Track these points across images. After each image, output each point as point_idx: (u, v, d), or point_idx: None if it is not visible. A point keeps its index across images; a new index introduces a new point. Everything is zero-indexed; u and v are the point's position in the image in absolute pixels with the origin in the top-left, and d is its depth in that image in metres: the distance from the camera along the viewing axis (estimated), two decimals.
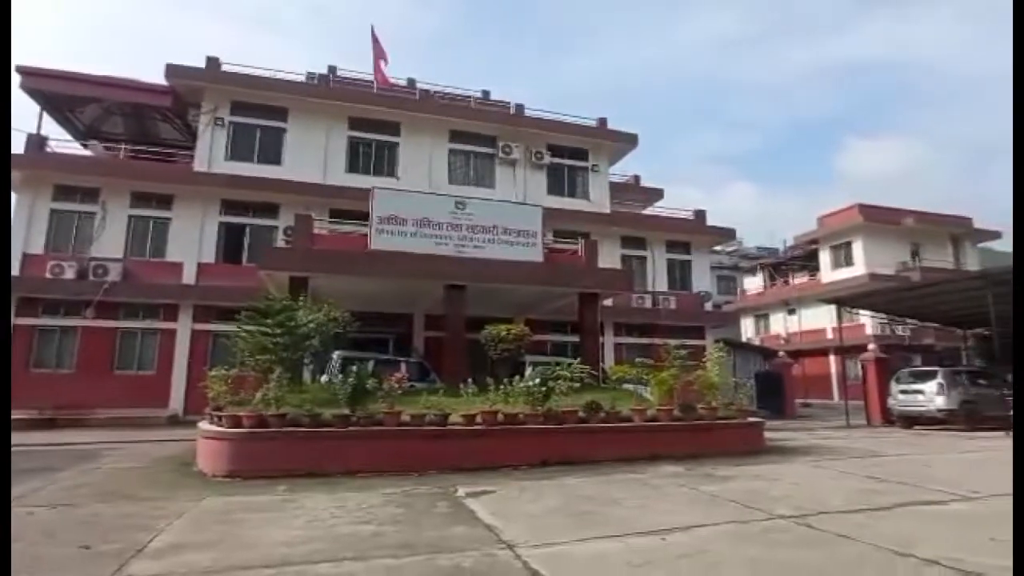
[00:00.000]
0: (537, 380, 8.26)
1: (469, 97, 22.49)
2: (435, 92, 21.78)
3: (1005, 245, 32.83)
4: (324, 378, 10.75)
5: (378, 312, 15.99)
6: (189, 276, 16.93)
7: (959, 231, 32.22)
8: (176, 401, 15.92)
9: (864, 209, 30.73)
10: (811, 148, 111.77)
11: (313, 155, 18.81)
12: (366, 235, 13.43)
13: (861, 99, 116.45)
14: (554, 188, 21.30)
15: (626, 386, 11.28)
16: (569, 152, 21.85)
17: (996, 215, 65.93)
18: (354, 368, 7.79)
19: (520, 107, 21.83)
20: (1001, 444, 10.56)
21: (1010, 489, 5.84)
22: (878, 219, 30.48)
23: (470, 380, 9.36)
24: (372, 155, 19.78)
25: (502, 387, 8.49)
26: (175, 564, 3.35)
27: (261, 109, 18.66)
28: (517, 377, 8.82)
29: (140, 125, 20.68)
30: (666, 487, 6.03)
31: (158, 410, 15.29)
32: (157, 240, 17.23)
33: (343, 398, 7.57)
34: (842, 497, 5.46)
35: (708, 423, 8.83)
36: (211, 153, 17.89)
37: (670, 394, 9.32)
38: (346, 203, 17.17)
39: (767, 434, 9.78)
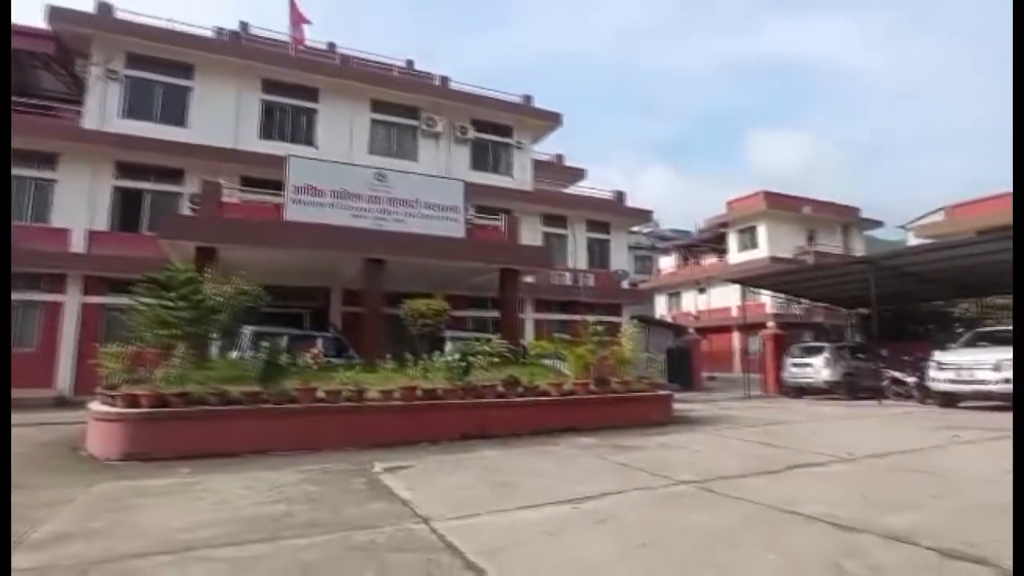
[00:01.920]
0: (457, 355, 8.27)
1: (392, 66, 21.78)
2: (356, 59, 20.90)
3: (886, 233, 36.21)
4: (233, 354, 10.25)
5: (293, 286, 15.37)
6: (78, 244, 15.49)
7: (848, 220, 35.15)
8: (63, 380, 14.66)
9: (768, 196, 32.80)
10: (723, 137, 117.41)
11: (223, 118, 17.58)
12: (280, 205, 12.79)
13: (769, 93, 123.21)
14: (477, 163, 21.16)
15: (545, 361, 11.52)
16: (493, 128, 21.71)
17: (878, 206, 72.62)
18: (266, 344, 7.45)
19: (445, 79, 21.39)
20: (874, 411, 11.75)
21: (880, 450, 6.53)
22: (780, 206, 32.65)
23: (389, 356, 9.22)
24: (288, 121, 18.77)
25: (421, 362, 8.43)
26: (59, 556, 3.10)
27: (162, 64, 17.17)
28: (437, 352, 8.79)
29: (17, 73, 18.47)
30: (581, 457, 6.25)
31: (41, 390, 14.00)
32: (39, 204, 15.61)
33: (254, 375, 7.24)
34: (738, 462, 5.88)
35: (621, 396, 9.21)
36: (103, 109, 16.32)
37: (586, 369, 9.62)
38: (259, 171, 16.25)
39: (675, 406, 10.33)
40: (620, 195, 24.01)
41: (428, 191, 14.19)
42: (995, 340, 12.91)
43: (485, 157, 21.58)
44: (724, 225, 35.23)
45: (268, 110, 18.43)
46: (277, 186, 13.29)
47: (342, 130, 19.11)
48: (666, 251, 42.40)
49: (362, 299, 13.35)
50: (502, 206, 19.56)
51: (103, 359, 7.39)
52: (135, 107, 16.80)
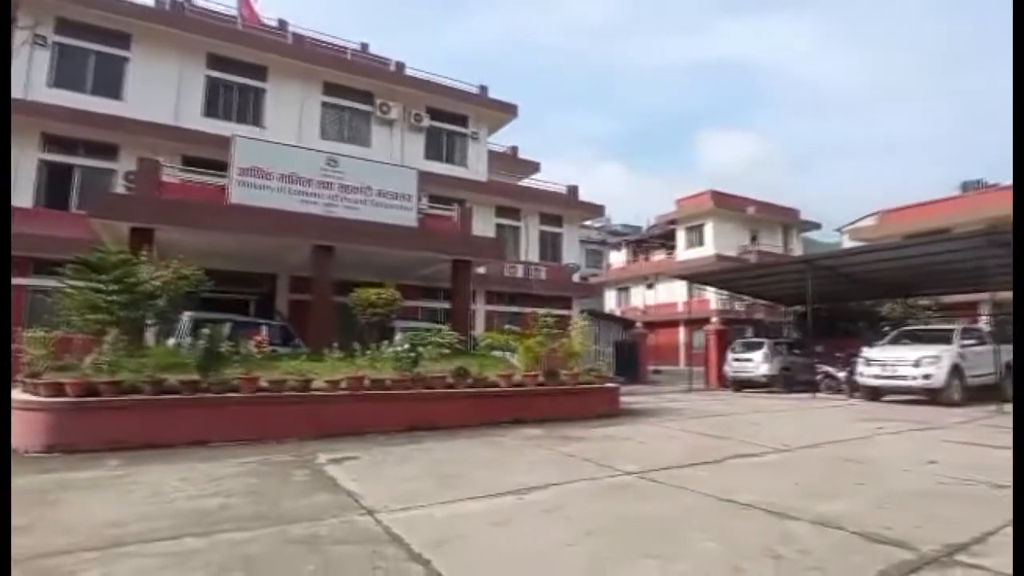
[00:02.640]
0: (406, 345, 8.17)
1: (346, 49, 21.20)
2: (309, 39, 20.23)
3: (823, 235, 37.95)
4: (171, 342, 9.82)
5: (238, 271, 14.83)
6: None
7: (789, 221, 36.65)
8: None
9: (715, 196, 33.81)
10: (674, 135, 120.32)
11: (163, 93, 16.69)
12: (225, 187, 12.29)
13: (718, 94, 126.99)
14: (432, 152, 20.90)
15: (495, 353, 11.55)
16: (449, 117, 21.49)
17: (816, 209, 76.09)
18: (207, 331, 7.16)
19: (400, 65, 20.99)
20: (808, 404, 12.33)
21: (812, 441, 6.86)
22: (726, 206, 33.72)
23: (337, 345, 9.04)
24: (235, 100, 17.99)
25: (370, 352, 8.30)
26: None
27: (96, 32, 16.13)
28: (386, 342, 8.67)
29: None
30: (528, 449, 6.31)
31: None
32: None
33: (193, 363, 6.95)
34: (681, 453, 6.06)
35: (570, 388, 9.33)
36: (28, 78, 15.20)
37: (536, 361, 9.69)
38: (202, 150, 15.56)
39: (622, 398, 10.54)
40: (573, 189, 24.22)
41: (381, 178, 13.92)
42: (916, 338, 13.78)
43: (440, 146, 21.35)
44: (673, 222, 36.11)
45: (213, 87, 17.62)
46: (221, 167, 12.75)
47: (292, 112, 18.48)
48: (617, 246, 43.16)
49: (310, 286, 13.01)
50: (456, 196, 19.44)
51: (25, 345, 6.93)
52: (65, 77, 15.73)
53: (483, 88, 22.27)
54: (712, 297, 27.83)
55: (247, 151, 12.54)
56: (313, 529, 3.31)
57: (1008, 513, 3.79)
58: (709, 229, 33.93)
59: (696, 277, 21.12)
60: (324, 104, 19.23)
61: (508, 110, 22.53)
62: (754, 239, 34.58)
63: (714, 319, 22.77)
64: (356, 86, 19.62)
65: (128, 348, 7.32)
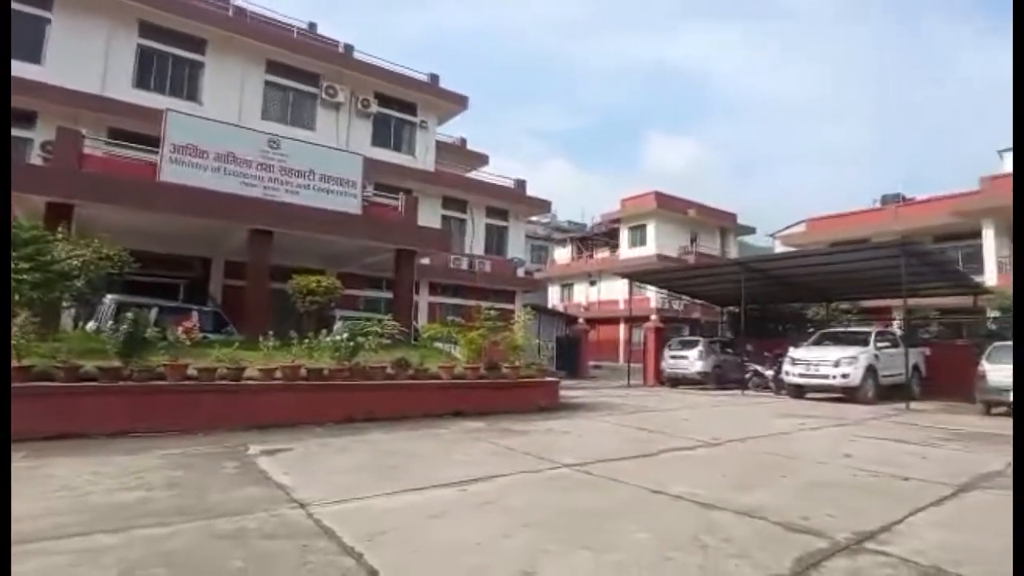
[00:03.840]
0: (345, 335, 7.99)
1: (292, 27, 20.41)
2: (252, 13, 19.35)
3: (757, 240, 39.62)
4: (91, 326, 9.23)
5: (168, 254, 14.09)
6: None
7: (726, 224, 38.06)
8: None
9: (659, 197, 34.69)
10: (621, 135, 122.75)
11: (89, 59, 15.56)
12: (155, 164, 11.61)
13: (666, 98, 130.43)
14: (379, 139, 20.46)
15: (437, 344, 11.48)
16: (398, 104, 21.08)
17: (752, 214, 79.47)
18: (130, 315, 6.75)
19: (349, 48, 20.40)
20: (738, 400, 12.88)
21: (740, 436, 7.17)
22: (669, 207, 34.66)
23: (272, 333, 8.73)
24: (169, 72, 16.99)
25: (308, 341, 8.07)
26: None
27: None
28: (325, 332, 8.45)
29: None
30: (468, 441, 6.30)
31: None
32: None
33: (114, 348, 6.55)
34: (618, 447, 6.21)
35: (511, 382, 9.38)
36: None
37: (478, 353, 9.69)
38: (131, 123, 14.65)
39: (562, 392, 10.70)
40: (521, 184, 24.29)
41: (325, 163, 13.51)
42: (837, 340, 14.64)
43: (387, 133, 20.92)
44: (617, 221, 36.81)
45: (145, 57, 16.58)
46: (153, 142, 12.04)
47: (232, 89, 17.63)
48: (562, 243, 43.62)
49: (247, 272, 12.49)
50: (402, 185, 19.12)
51: None
52: None
53: (434, 77, 21.96)
54: (652, 296, 28.58)
55: (181, 127, 11.89)
56: (241, 523, 3.19)
57: (912, 504, 4.09)
58: (652, 229, 34.80)
59: (638, 276, 21.63)
60: (267, 83, 18.45)
61: (458, 101, 22.32)
62: (694, 241, 35.72)
63: (653, 317, 23.37)
64: (302, 66, 18.93)
65: (40, 332, 6.82)
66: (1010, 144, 25.74)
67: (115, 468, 4.44)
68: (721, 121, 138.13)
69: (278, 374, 7.18)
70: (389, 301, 15.60)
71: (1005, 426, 9.40)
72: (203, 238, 13.71)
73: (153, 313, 9.55)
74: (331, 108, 19.46)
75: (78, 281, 8.01)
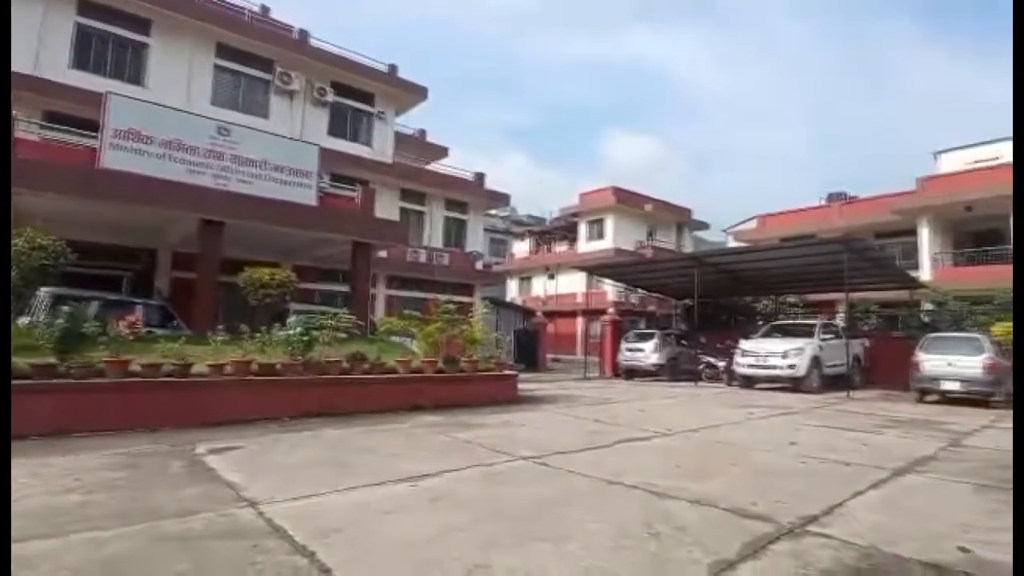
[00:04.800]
0: (299, 329, 7.81)
1: (244, 9, 19.71)
2: None
3: (711, 235, 40.65)
4: (23, 320, 8.73)
5: (110, 244, 13.46)
6: None
7: (682, 220, 38.88)
8: None
9: (617, 192, 35.14)
10: (581, 131, 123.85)
11: (21, 37, 14.59)
12: (96, 149, 11.06)
13: (625, 96, 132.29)
14: (336, 129, 20.02)
15: (394, 338, 11.35)
16: (355, 94, 20.66)
17: (706, 209, 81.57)
18: (68, 309, 6.42)
19: (304, 33, 19.84)
20: (691, 391, 13.22)
21: (693, 426, 7.36)
22: (627, 202, 35.15)
23: (222, 328, 8.45)
24: (110, 53, 16.17)
25: (259, 335, 7.85)
26: None
27: None
28: (278, 325, 8.24)
29: None
30: (424, 436, 6.26)
31: None
32: None
33: (49, 344, 6.21)
34: (574, 438, 6.28)
35: (469, 375, 9.36)
36: None
37: (436, 347, 9.64)
38: (69, 106, 13.90)
39: (521, 385, 10.74)
40: (480, 177, 24.20)
41: (279, 152, 13.14)
42: (785, 332, 15.20)
43: (344, 123, 20.48)
44: (576, 215, 37.12)
45: (84, 36, 15.71)
46: (92, 126, 11.46)
47: (179, 73, 16.91)
48: (521, 236, 43.71)
49: (196, 264, 12.05)
50: (359, 176, 18.80)
51: None
52: None
53: (392, 67, 21.61)
54: (610, 289, 29.02)
55: (124, 111, 11.34)
56: (187, 525, 3.08)
57: (852, 488, 4.28)
58: (610, 223, 35.24)
59: (596, 269, 21.91)
60: (217, 67, 17.78)
61: (417, 92, 22.03)
62: (651, 235, 36.36)
63: (610, 310, 23.72)
64: (254, 51, 18.32)
65: None
66: (945, 147, 27.17)
67: (53, 470, 4.22)
68: (677, 120, 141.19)
69: (228, 369, 6.96)
70: (345, 294, 15.33)
71: (937, 412, 9.96)
72: (149, 228, 13.15)
73: (93, 307, 9.09)
74: (285, 96, 18.92)
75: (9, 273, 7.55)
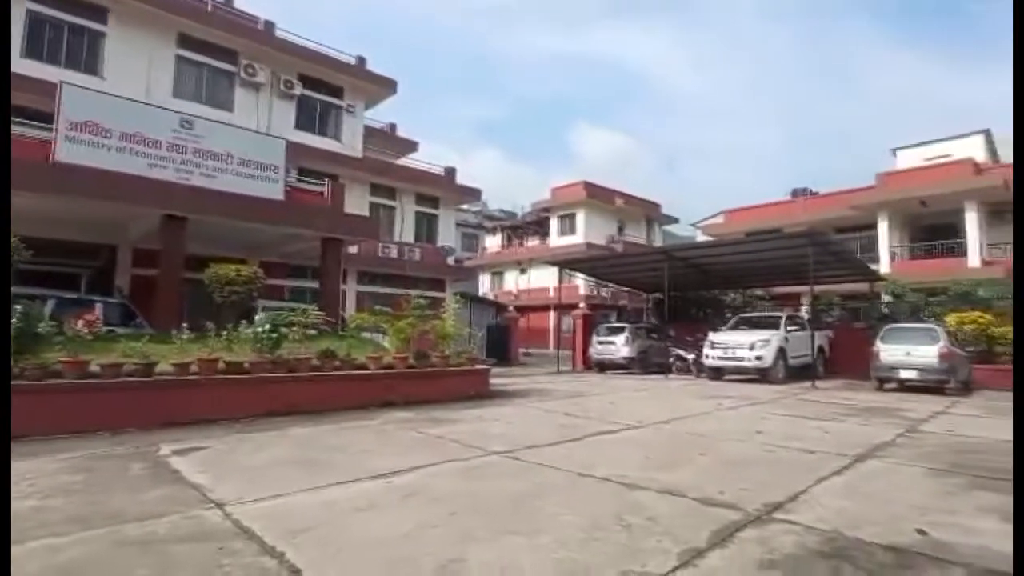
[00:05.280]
0: (267, 326, 7.66)
1: None
2: None
3: (680, 229, 41.19)
4: None
5: (68, 241, 12.98)
6: None
7: (652, 214, 39.32)
8: None
9: (588, 187, 35.35)
10: (552, 126, 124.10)
11: None
12: (49, 142, 10.64)
13: (598, 92, 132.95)
14: (303, 123, 19.64)
15: (365, 334, 11.23)
16: (323, 87, 20.29)
17: (676, 204, 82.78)
18: (20, 308, 6.17)
19: (270, 24, 19.37)
20: (661, 384, 13.40)
21: (663, 418, 7.46)
22: (597, 197, 35.39)
23: (187, 326, 8.24)
24: (65, 41, 15.53)
25: (226, 333, 7.69)
26: None
27: None
28: (245, 323, 8.07)
29: None
30: (396, 432, 6.22)
31: None
32: None
33: None
34: (546, 432, 6.31)
35: (440, 370, 9.32)
36: None
37: (407, 343, 9.57)
38: (20, 96, 13.28)
39: (493, 380, 10.74)
40: (451, 171, 24.05)
41: (244, 146, 12.84)
42: (752, 324, 15.52)
43: (312, 117, 20.10)
44: (547, 210, 37.23)
45: (36, 23, 15.06)
46: (45, 117, 11.02)
47: (139, 64, 16.34)
48: (492, 231, 43.65)
49: (159, 261, 11.71)
50: (328, 171, 18.50)
51: None
52: None
53: (361, 60, 21.28)
54: (581, 283, 29.17)
55: (79, 102, 10.93)
56: (150, 528, 3.00)
57: (815, 475, 4.40)
58: (581, 218, 35.43)
59: (567, 264, 21.99)
60: (179, 58, 17.24)
61: (387, 85, 21.74)
62: (621, 230, 36.70)
63: (582, 304, 23.91)
64: (218, 42, 17.81)
65: None
66: (902, 143, 28.06)
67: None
68: (649, 116, 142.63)
69: (193, 368, 6.79)
70: (315, 291, 15.11)
71: (895, 400, 10.31)
72: (108, 224, 12.73)
73: (49, 305, 8.79)
74: (251, 88, 18.47)
75: None
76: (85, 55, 15.81)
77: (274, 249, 15.02)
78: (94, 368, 6.13)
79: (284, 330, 7.78)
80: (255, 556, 2.65)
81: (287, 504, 3.49)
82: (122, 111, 11.48)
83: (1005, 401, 10.56)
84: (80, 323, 7.12)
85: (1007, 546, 2.90)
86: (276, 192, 12.96)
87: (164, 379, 6.53)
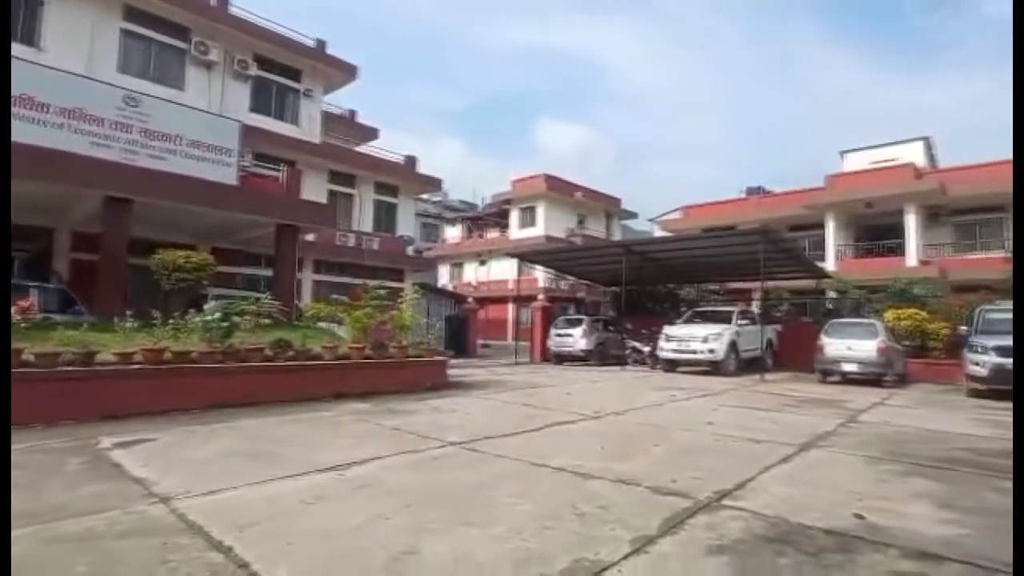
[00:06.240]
0: (218, 314, 7.42)
1: None
2: None
3: (639, 224, 41.83)
4: None
5: None
6: None
7: (611, 208, 39.78)
8: None
9: (549, 179, 35.47)
10: (513, 118, 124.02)
11: None
12: None
13: (557, 85, 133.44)
14: (259, 106, 18.98)
15: (321, 324, 11.02)
16: (280, 69, 19.64)
17: (633, 200, 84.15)
18: None
19: (224, 1, 18.61)
20: (618, 376, 13.62)
21: (619, 409, 7.59)
22: (558, 190, 35.56)
23: (131, 314, 7.90)
24: None
25: (173, 322, 7.41)
26: None
27: None
28: (193, 311, 7.79)
29: None
30: (351, 423, 6.13)
31: None
32: None
33: None
34: (503, 423, 6.33)
35: (398, 361, 9.23)
36: None
37: (364, 333, 9.44)
38: None
39: (451, 371, 10.71)
40: (412, 160, 23.74)
41: (196, 127, 12.34)
42: (706, 318, 15.92)
43: (268, 100, 19.45)
44: (508, 202, 37.20)
45: None
46: None
47: (81, 36, 15.44)
48: (453, 222, 43.38)
49: (100, 245, 11.16)
50: (285, 156, 18.01)
51: None
52: None
53: (321, 43, 20.69)
54: (541, 276, 29.36)
55: (13, 73, 10.26)
56: (88, 524, 2.87)
57: (762, 463, 4.56)
58: (541, 211, 35.56)
59: (527, 256, 22.05)
60: (125, 32, 16.38)
61: (347, 70, 21.21)
62: (581, 223, 37.00)
63: (541, 297, 24.05)
64: (167, 16, 16.99)
65: None
66: (851, 146, 29.18)
67: None
68: (608, 111, 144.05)
69: (138, 358, 6.52)
70: (269, 279, 14.70)
71: (838, 392, 10.76)
72: (45, 205, 12.06)
73: None
74: (202, 67, 17.72)
75: None
76: (22, 24, 14.85)
77: (227, 236, 14.54)
78: (27, 357, 5.81)
79: (236, 319, 7.56)
80: (202, 551, 2.57)
81: (236, 498, 3.39)
82: (61, 85, 10.87)
83: (936, 393, 11.21)
84: (14, 310, 6.75)
85: (938, 529, 3.08)
86: (229, 176, 12.53)
87: (105, 369, 6.25)
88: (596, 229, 37.48)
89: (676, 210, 33.25)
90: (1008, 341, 10.14)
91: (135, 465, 4.07)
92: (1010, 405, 9.14)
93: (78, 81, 11.54)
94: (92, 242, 12.09)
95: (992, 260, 19.75)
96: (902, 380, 13.04)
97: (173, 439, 5.06)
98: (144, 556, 2.50)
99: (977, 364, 10.32)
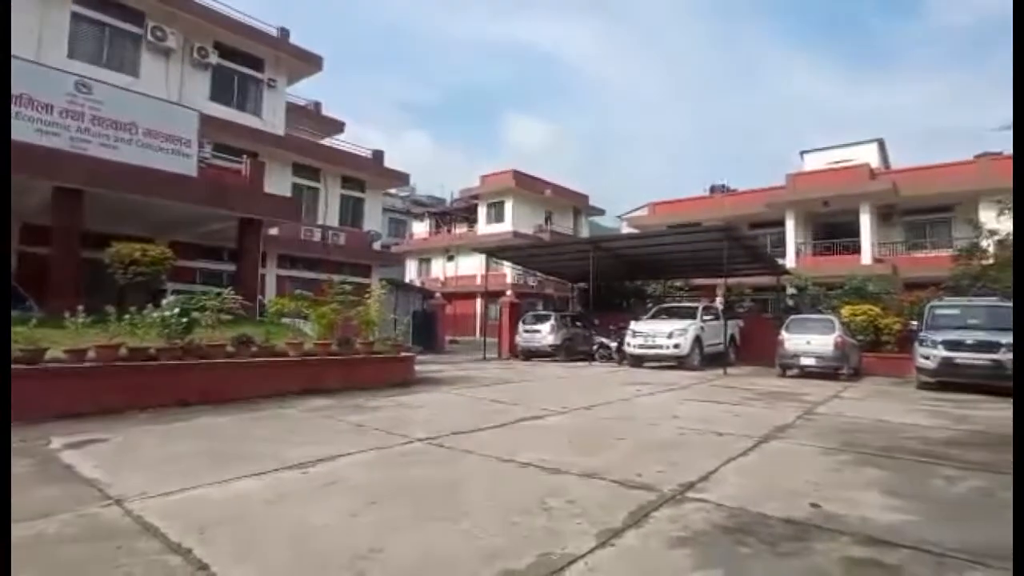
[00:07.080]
0: (176, 310, 7.19)
1: None
2: None
3: (606, 221, 42.27)
4: None
5: None
6: None
7: (579, 205, 40.09)
8: None
9: (517, 175, 35.52)
10: (481, 112, 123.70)
11: None
12: None
13: (526, 81, 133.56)
14: (220, 95, 18.44)
15: (285, 320, 10.81)
16: (242, 58, 19.12)
17: (601, 197, 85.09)
18: None
19: None
20: (585, 371, 13.76)
21: (586, 404, 7.66)
22: (526, 186, 35.64)
23: (83, 309, 7.60)
24: None
25: (129, 317, 7.15)
26: None
27: None
28: (151, 306, 7.54)
29: None
30: (316, 420, 6.04)
31: None
32: None
33: None
34: (471, 419, 6.32)
35: (364, 357, 9.13)
36: None
37: (330, 329, 9.30)
38: None
39: (419, 367, 10.64)
40: (378, 154, 23.43)
41: (151, 115, 11.88)
42: (671, 314, 16.21)
43: (229, 89, 18.91)
44: (476, 197, 37.11)
45: None
46: None
47: (27, 18, 14.72)
48: (420, 217, 43.05)
49: (50, 238, 10.69)
50: (247, 148, 17.53)
51: None
52: None
53: (284, 32, 20.21)
54: (509, 272, 29.35)
55: None
56: (36, 529, 2.75)
57: (725, 456, 4.66)
58: (509, 206, 35.58)
59: (495, 251, 22.04)
60: (75, 16, 15.68)
61: (312, 61, 20.79)
62: (549, 219, 37.17)
63: (509, 292, 24.06)
64: (121, 0, 16.36)
65: None
66: (810, 147, 30.03)
67: None
68: (576, 109, 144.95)
69: (91, 355, 6.28)
70: (232, 274, 14.33)
71: (797, 385, 11.09)
72: None
73: None
74: (159, 54, 17.11)
75: None
76: None
77: (186, 229, 14.10)
78: None
79: (196, 314, 7.34)
80: (158, 554, 2.49)
81: (195, 498, 3.30)
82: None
83: (888, 385, 11.66)
84: None
85: (888, 516, 3.20)
86: (188, 167, 12.12)
87: (56, 367, 6.00)
88: (564, 225, 37.72)
89: (643, 207, 33.69)
90: (954, 336, 10.63)
91: (88, 466, 3.93)
92: (955, 396, 9.60)
93: (23, 65, 10.95)
94: (43, 235, 11.56)
95: (940, 258, 20.61)
96: (857, 373, 13.52)
97: (129, 438, 4.90)
98: (96, 560, 2.41)
99: (926, 357, 10.78)
